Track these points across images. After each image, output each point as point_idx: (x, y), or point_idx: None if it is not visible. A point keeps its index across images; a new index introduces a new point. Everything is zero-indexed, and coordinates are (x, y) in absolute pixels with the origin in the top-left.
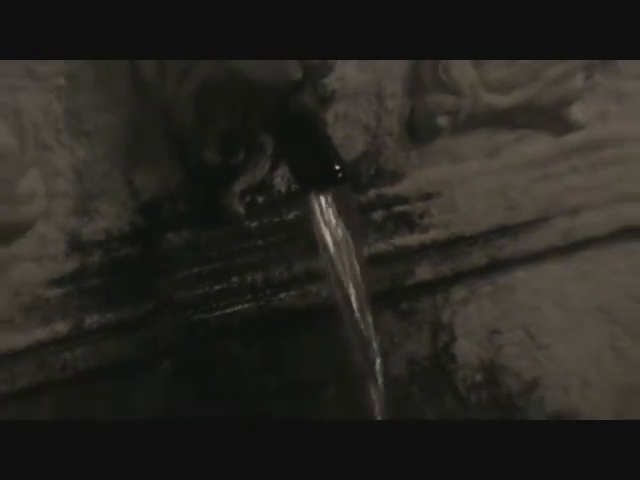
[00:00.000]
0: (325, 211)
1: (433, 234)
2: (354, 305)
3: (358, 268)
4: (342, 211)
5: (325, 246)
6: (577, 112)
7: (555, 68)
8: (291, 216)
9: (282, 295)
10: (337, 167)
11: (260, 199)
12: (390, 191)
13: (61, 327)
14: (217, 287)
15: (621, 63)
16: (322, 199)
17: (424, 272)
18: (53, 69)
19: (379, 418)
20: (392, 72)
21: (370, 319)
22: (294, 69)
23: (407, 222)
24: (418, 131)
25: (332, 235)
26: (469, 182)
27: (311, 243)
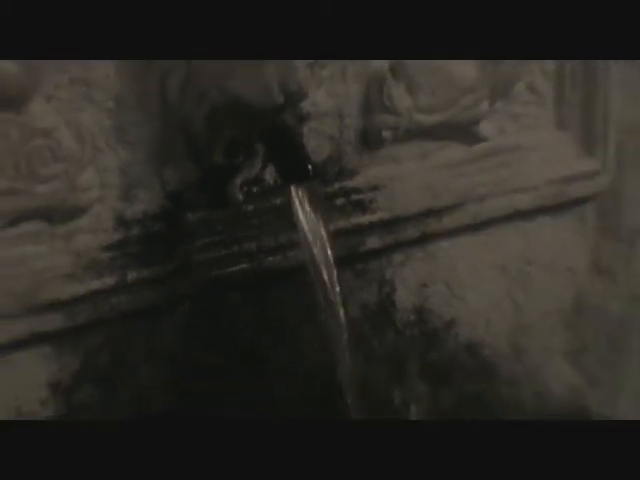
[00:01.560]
0: (301, 198)
1: (379, 215)
2: (322, 266)
3: (325, 239)
4: (313, 198)
5: (301, 223)
6: (483, 128)
7: (468, 97)
8: (277, 202)
9: (270, 259)
10: (309, 167)
11: (254, 189)
12: (349, 184)
13: (109, 280)
14: (223, 252)
15: (515, 92)
16: (299, 190)
17: (373, 242)
18: (105, 96)
19: (340, 349)
20: (350, 98)
21: (334, 276)
22: (278, 96)
23: (361, 206)
24: (369, 141)
25: (306, 216)
26: (405, 178)
27: (291, 221)
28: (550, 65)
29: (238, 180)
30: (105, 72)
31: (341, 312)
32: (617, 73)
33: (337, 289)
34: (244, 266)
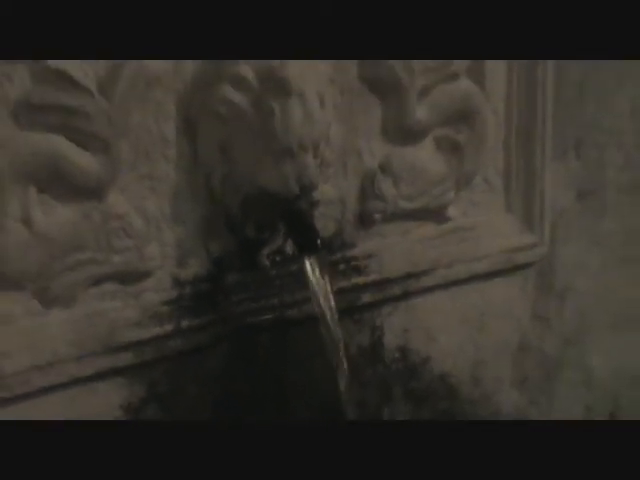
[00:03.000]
0: (312, 265)
1: (372, 277)
2: (328, 316)
3: (330, 296)
4: (321, 265)
5: (312, 284)
6: (450, 211)
7: (438, 187)
8: (294, 268)
9: (289, 311)
10: (319, 241)
11: (277, 258)
12: (348, 254)
13: (168, 327)
14: (254, 305)
15: (474, 184)
16: (310, 259)
17: (367, 298)
18: (166, 187)
19: (342, 378)
20: (349, 189)
21: (337, 324)
22: (295, 187)
23: (358, 271)
24: (364, 221)
25: (315, 278)
26: (391, 249)
27: (305, 282)
28: (500, 163)
29: (265, 251)
30: (166, 170)
31: (342, 351)
32: (550, 171)
33: (339, 333)
34: (269, 316)
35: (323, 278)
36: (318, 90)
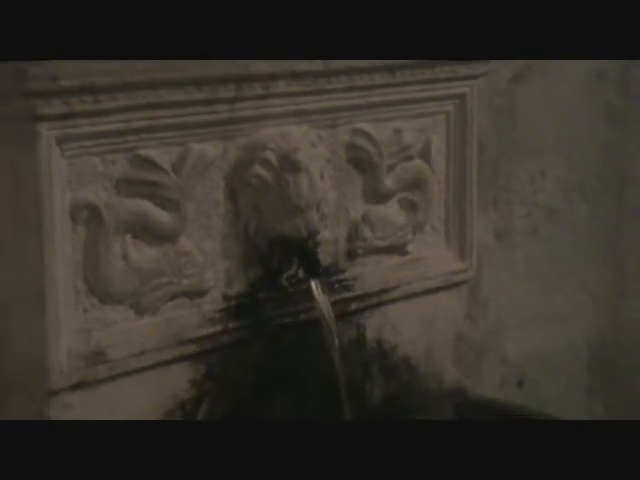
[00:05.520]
0: (316, 285)
1: (357, 292)
2: (328, 319)
3: (329, 305)
4: (322, 285)
5: (317, 298)
6: (409, 248)
7: (401, 232)
8: (304, 287)
9: (302, 316)
10: (320, 269)
11: (293, 280)
12: (341, 277)
13: (219, 327)
14: (277, 312)
15: (425, 229)
16: (315, 281)
17: (354, 306)
18: (218, 233)
19: (338, 359)
20: (341, 233)
21: (334, 325)
22: (304, 233)
23: (347, 288)
24: (351, 255)
25: (319, 294)
26: (370, 273)
27: (311, 296)
28: (442, 215)
29: (284, 276)
30: (217, 222)
31: (337, 342)
32: (476, 220)
33: (335, 332)
34: (288, 320)
35: (324, 294)
36: (319, 168)
